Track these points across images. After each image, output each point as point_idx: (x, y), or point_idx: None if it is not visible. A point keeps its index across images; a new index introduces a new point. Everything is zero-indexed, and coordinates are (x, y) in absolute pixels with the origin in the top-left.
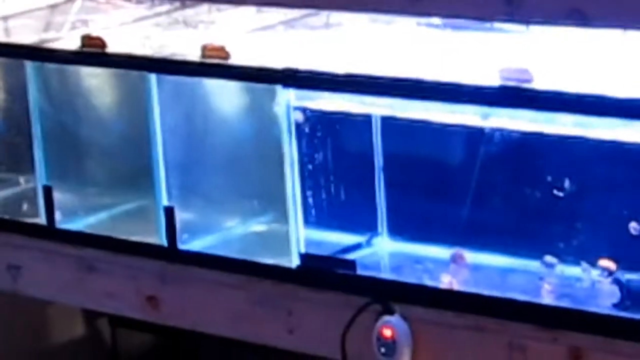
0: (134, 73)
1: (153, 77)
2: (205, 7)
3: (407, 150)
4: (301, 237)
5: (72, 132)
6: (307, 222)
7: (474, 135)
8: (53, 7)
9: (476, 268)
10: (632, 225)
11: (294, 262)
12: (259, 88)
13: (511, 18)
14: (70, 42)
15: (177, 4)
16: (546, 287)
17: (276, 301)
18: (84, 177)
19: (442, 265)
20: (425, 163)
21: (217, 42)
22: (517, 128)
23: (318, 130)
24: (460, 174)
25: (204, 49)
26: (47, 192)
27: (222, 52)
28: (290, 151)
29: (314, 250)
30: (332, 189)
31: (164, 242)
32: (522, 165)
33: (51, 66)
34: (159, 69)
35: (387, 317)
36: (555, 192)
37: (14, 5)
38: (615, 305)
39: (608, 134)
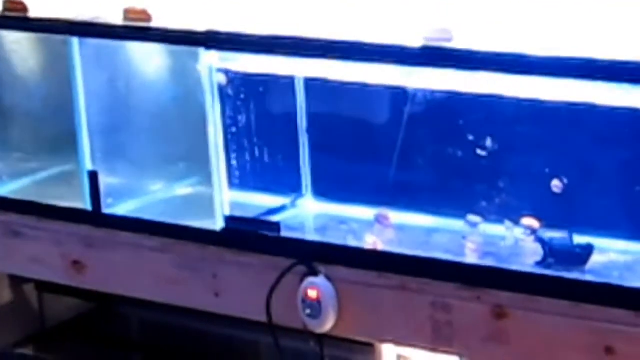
0: (57, 37)
1: (75, 41)
2: None
3: (330, 111)
4: (225, 200)
5: None
6: (231, 184)
7: (397, 95)
8: None
9: (400, 228)
10: (555, 183)
11: (219, 224)
12: (182, 51)
13: None
14: None
15: None
16: (470, 246)
17: (201, 264)
18: (7, 143)
19: (366, 225)
20: (349, 124)
21: (139, 5)
22: (439, 88)
23: (241, 92)
24: (384, 135)
25: (126, 12)
26: None
27: (144, 15)
28: (214, 114)
29: (238, 213)
30: (257, 151)
31: (88, 206)
32: (445, 125)
33: None
34: (81, 32)
35: (312, 279)
36: (478, 151)
37: None
38: (538, 263)
39: (529, 93)
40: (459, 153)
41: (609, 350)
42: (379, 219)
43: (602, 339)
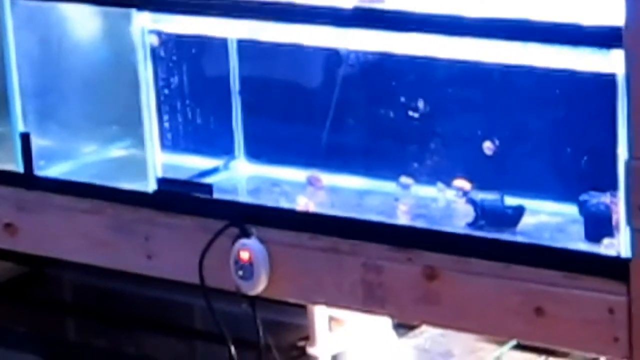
0: None
1: (7, 1)
2: None
3: (263, 73)
4: (158, 162)
5: None
6: (164, 146)
7: (330, 57)
8: None
9: (332, 190)
10: (486, 145)
11: (151, 186)
12: (114, 12)
13: None
14: None
15: None
16: (401, 207)
17: (134, 226)
18: None
19: (298, 187)
20: (281, 86)
21: None
22: (372, 49)
23: (174, 54)
24: (316, 96)
25: None
26: None
27: None
28: (146, 75)
29: (171, 175)
30: (189, 114)
31: (20, 169)
32: (377, 86)
33: None
34: None
35: (244, 240)
36: (410, 113)
37: None
38: (469, 225)
39: (461, 55)
40: (392, 115)
41: (539, 311)
42: (311, 181)
43: (532, 299)
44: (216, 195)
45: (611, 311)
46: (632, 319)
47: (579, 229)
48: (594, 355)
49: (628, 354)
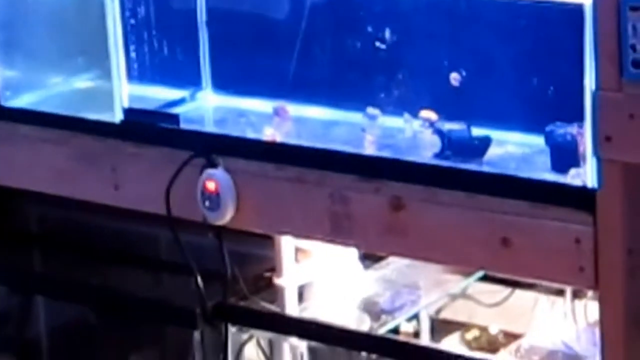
0: None
1: None
2: None
3: (230, 4)
4: (125, 93)
5: None
6: (130, 77)
7: None
8: None
9: (299, 121)
10: (453, 76)
11: (118, 117)
12: None
13: None
14: None
15: None
16: (368, 138)
17: (100, 157)
18: None
19: (265, 118)
20: (248, 17)
21: None
22: None
23: None
24: (283, 27)
25: None
26: None
27: None
28: (113, 6)
29: (138, 106)
30: (156, 44)
31: None
32: (344, 17)
33: None
34: None
35: (210, 171)
36: (376, 43)
37: None
38: (436, 155)
39: None
40: (358, 46)
41: (505, 241)
42: (278, 112)
43: (499, 230)
44: (183, 126)
45: (577, 241)
46: (598, 249)
47: (545, 159)
48: (559, 286)
49: (593, 284)
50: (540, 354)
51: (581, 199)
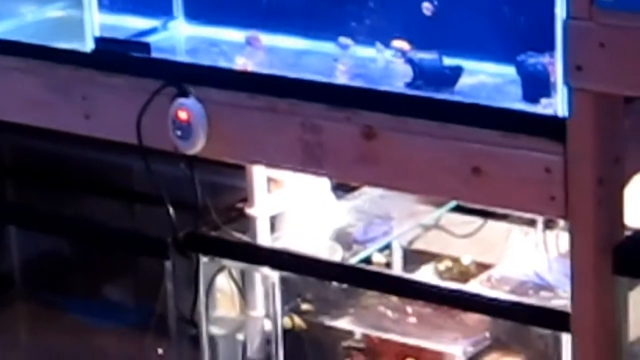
0: None
1: None
2: None
3: None
4: (96, 22)
5: None
6: (102, 6)
7: None
8: None
9: (271, 50)
10: (425, 5)
11: (89, 46)
12: None
13: None
14: None
15: None
16: (340, 67)
17: (71, 86)
18: None
19: (237, 48)
20: None
21: None
22: None
23: None
24: None
25: None
26: None
27: None
28: None
29: (109, 35)
30: None
31: None
32: None
33: None
34: None
35: (182, 100)
36: None
37: None
38: (408, 85)
39: None
40: None
41: (475, 170)
42: (250, 41)
43: (470, 159)
44: (154, 55)
45: (548, 170)
46: (568, 178)
47: (516, 89)
48: (531, 215)
49: (564, 213)
50: (511, 284)
51: (552, 128)
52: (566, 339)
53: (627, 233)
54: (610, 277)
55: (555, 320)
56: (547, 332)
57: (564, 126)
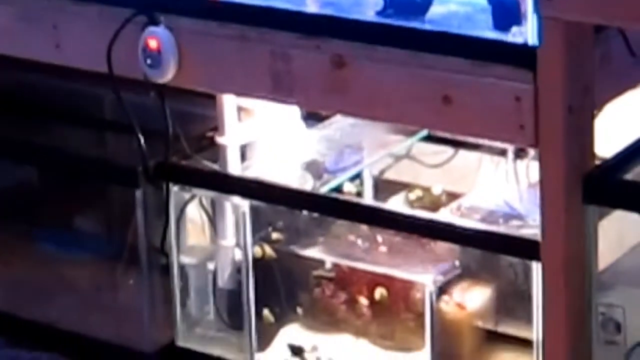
0: None
1: None
2: None
3: None
4: None
5: None
6: None
7: None
8: None
9: None
10: None
11: None
12: None
13: None
14: None
15: None
16: None
17: (41, 15)
18: None
19: None
20: None
21: None
22: None
23: None
24: None
25: None
26: None
27: None
28: None
29: None
30: None
31: None
32: None
33: None
34: None
35: (152, 28)
36: None
37: None
38: (378, 13)
39: None
40: None
41: (445, 99)
42: None
43: (440, 88)
44: None
45: (518, 99)
46: (538, 106)
47: (487, 17)
48: (502, 145)
49: (533, 142)
50: (481, 213)
51: (522, 56)
52: (536, 267)
53: (597, 162)
54: (580, 206)
55: (525, 248)
56: (516, 260)
57: (534, 55)
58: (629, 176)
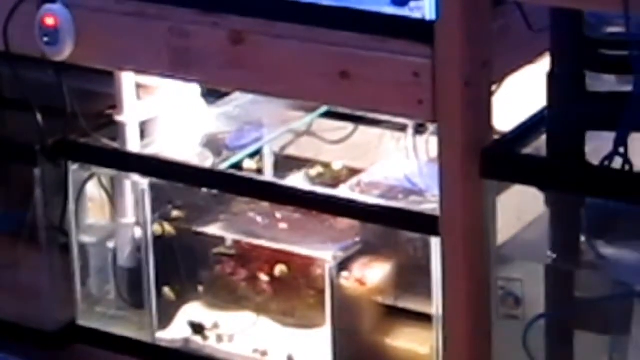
0: None
1: None
2: None
3: None
4: None
5: None
6: None
7: None
8: None
9: None
10: None
11: None
12: None
13: None
14: None
15: None
16: None
17: None
18: None
19: None
20: None
21: None
22: None
23: None
24: None
25: None
26: None
27: None
28: None
29: None
30: None
31: None
32: None
33: None
34: None
35: (49, 5)
36: None
37: None
38: None
39: None
40: None
41: (343, 74)
42: None
43: (338, 63)
44: None
45: (416, 74)
46: (436, 81)
47: None
48: (402, 120)
49: (432, 116)
50: (380, 188)
51: (420, 31)
52: (435, 242)
53: (496, 137)
54: (479, 181)
55: (424, 224)
56: (416, 236)
57: (431, 29)
58: (527, 150)
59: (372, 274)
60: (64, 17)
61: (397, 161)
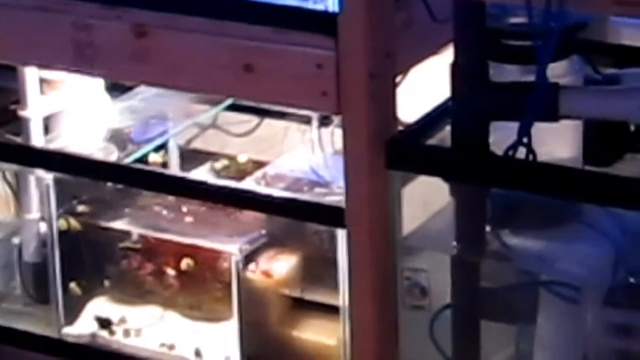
0: None
1: None
2: None
3: None
4: None
5: None
6: None
7: None
8: None
9: None
10: None
11: None
12: None
13: None
14: None
15: None
16: None
17: None
18: None
19: None
20: None
21: None
22: None
23: None
24: None
25: None
26: None
27: None
28: None
29: None
30: None
31: None
32: None
33: None
34: None
35: None
36: None
37: None
38: None
39: None
40: None
41: (247, 67)
42: None
43: (242, 56)
44: None
45: (320, 66)
46: (340, 73)
47: None
48: (307, 113)
49: (336, 108)
50: (286, 181)
51: (323, 23)
52: (341, 234)
53: (400, 128)
54: (384, 172)
55: (330, 216)
56: (322, 228)
57: (335, 21)
58: (432, 141)
59: (279, 266)
60: None
61: (302, 153)
